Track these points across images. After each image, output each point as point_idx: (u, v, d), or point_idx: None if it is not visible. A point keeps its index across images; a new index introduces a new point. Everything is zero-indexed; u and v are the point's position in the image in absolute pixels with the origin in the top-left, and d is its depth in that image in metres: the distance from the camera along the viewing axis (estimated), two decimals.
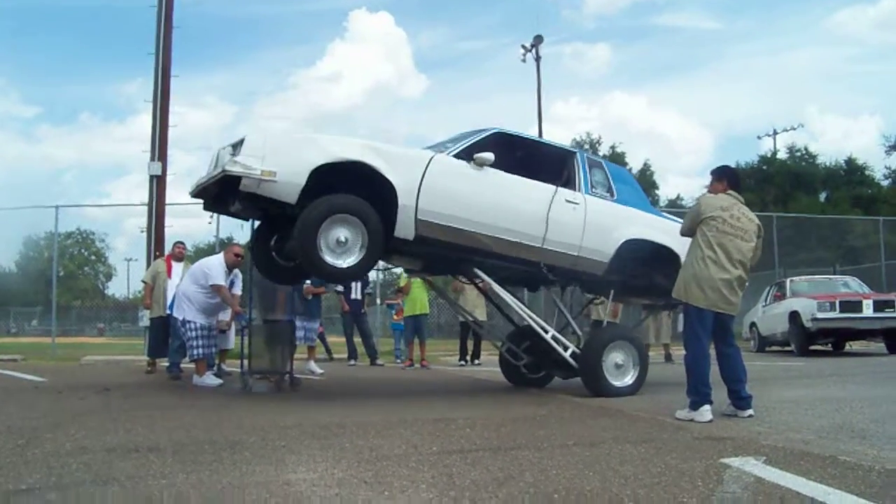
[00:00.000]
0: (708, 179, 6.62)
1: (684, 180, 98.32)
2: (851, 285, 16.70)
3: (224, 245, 13.51)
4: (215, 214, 11.57)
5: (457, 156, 7.52)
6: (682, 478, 3.79)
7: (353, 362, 14.84)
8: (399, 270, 13.87)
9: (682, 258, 6.58)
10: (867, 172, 43.13)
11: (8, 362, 14.74)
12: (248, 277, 9.80)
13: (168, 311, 10.47)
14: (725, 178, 6.45)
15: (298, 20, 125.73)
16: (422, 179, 7.14)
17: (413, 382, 10.88)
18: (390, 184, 6.99)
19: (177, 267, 11.28)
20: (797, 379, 10.10)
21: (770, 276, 19.66)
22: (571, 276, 8.37)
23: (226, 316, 9.83)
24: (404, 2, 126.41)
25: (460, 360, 14.78)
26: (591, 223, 7.92)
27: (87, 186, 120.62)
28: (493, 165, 7.50)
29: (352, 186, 6.93)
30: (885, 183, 42.50)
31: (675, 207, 31.74)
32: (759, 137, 48.91)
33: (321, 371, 11.87)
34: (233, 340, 10.49)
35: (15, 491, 3.63)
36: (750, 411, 5.99)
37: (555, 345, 7.97)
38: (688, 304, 6.11)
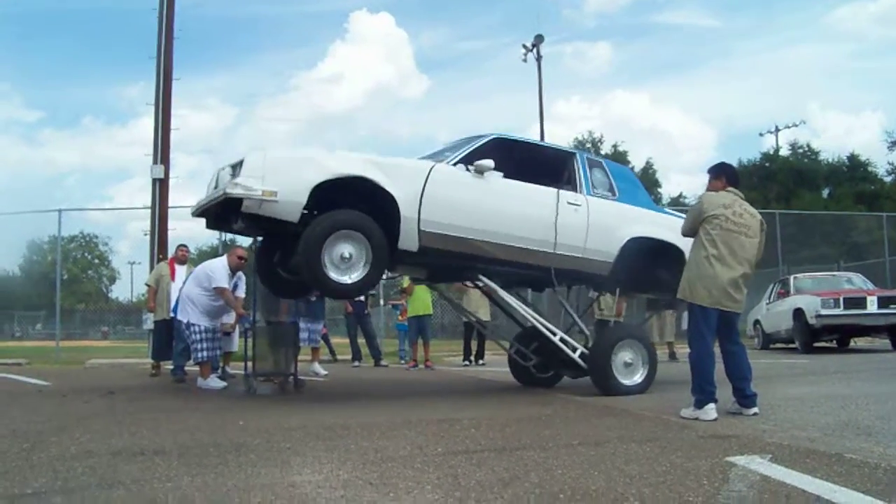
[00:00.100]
0: (707, 178, 6.60)
1: (687, 178, 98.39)
2: (855, 282, 16.67)
3: (227, 248, 13.53)
4: None
5: (456, 164, 7.52)
6: (688, 476, 3.79)
7: (356, 363, 14.86)
8: None
9: (686, 253, 6.57)
10: (870, 169, 43.08)
11: (12, 366, 14.78)
12: (252, 280, 9.80)
13: (172, 314, 10.48)
14: (724, 174, 6.42)
15: (299, 21, 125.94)
16: (423, 191, 7.14)
17: (417, 383, 10.89)
18: (392, 197, 7.00)
19: (180, 270, 11.29)
20: (802, 376, 10.09)
21: (774, 274, 19.64)
22: (576, 278, 8.39)
23: (230, 318, 9.83)
24: (405, 2, 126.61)
25: (464, 360, 14.78)
26: (594, 224, 7.92)
27: (89, 190, 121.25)
28: (494, 171, 7.51)
29: (354, 201, 6.95)
30: (887, 179, 42.45)
31: (677, 205, 31.63)
32: (761, 134, 49.12)
33: (325, 372, 11.88)
34: (237, 343, 10.48)
35: (21, 495, 3.64)
36: (755, 409, 5.97)
37: (563, 347, 7.98)
38: (692, 302, 6.09)
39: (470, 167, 7.47)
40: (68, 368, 14.61)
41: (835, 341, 16.28)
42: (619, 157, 44.30)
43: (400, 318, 16.49)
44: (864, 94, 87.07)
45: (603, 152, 44.94)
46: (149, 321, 12.62)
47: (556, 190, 7.88)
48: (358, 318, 14.99)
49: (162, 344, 11.37)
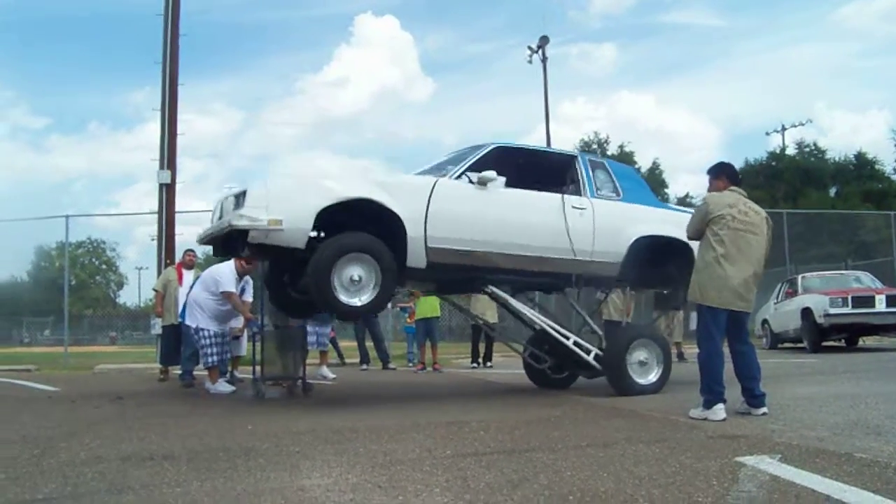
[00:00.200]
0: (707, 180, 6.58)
1: (694, 178, 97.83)
2: (864, 280, 16.63)
3: None
4: None
5: (459, 177, 7.54)
6: (697, 477, 3.78)
7: (365, 367, 14.85)
8: None
9: (692, 248, 6.54)
10: (877, 167, 42.84)
11: (21, 372, 14.84)
12: (259, 284, 9.81)
13: (180, 319, 10.50)
14: (724, 174, 6.40)
15: (304, 26, 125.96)
16: (427, 208, 7.16)
17: (425, 386, 10.89)
18: (397, 216, 7.01)
19: (188, 275, 11.30)
20: (810, 375, 10.06)
21: (781, 273, 19.59)
22: (585, 282, 8.39)
23: (238, 323, 9.85)
24: (410, 5, 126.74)
25: (472, 362, 14.78)
26: (600, 227, 7.92)
27: (96, 196, 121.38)
28: (497, 178, 7.52)
29: (360, 222, 6.96)
30: (895, 177, 42.29)
31: (684, 205, 31.64)
32: (767, 133, 48.80)
33: (333, 376, 11.88)
34: (245, 347, 10.51)
35: (31, 500, 3.66)
36: (764, 409, 5.96)
37: (578, 350, 8.01)
38: (703, 304, 6.07)
39: (473, 179, 7.48)
40: (77, 374, 14.66)
41: (843, 340, 16.22)
42: (625, 157, 44.18)
43: (408, 320, 16.49)
44: (871, 92, 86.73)
45: (609, 153, 44.84)
46: (157, 326, 12.63)
47: (560, 195, 7.89)
48: (366, 321, 14.97)
49: (170, 349, 11.39)
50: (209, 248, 8.31)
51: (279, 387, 9.54)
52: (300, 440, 5.30)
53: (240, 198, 6.88)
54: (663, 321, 13.50)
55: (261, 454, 4.76)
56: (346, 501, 3.51)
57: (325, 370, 12.03)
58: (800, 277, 17.47)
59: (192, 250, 12.08)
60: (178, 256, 13.33)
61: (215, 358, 9.40)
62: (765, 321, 18.14)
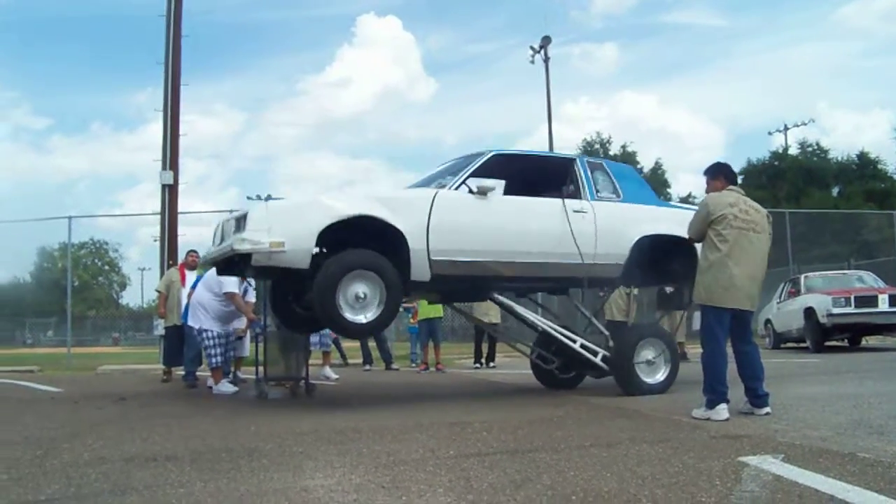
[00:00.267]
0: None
1: (696, 178, 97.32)
2: (866, 280, 16.61)
3: None
4: None
5: (459, 188, 7.54)
6: (700, 477, 3.78)
7: (367, 367, 14.87)
8: None
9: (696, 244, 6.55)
10: (880, 166, 42.83)
11: (24, 373, 14.85)
12: (262, 285, 9.82)
13: (182, 320, 10.50)
14: (721, 174, 6.39)
15: (306, 26, 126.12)
16: (429, 221, 7.15)
17: (428, 386, 10.89)
18: (399, 231, 7.02)
19: (190, 276, 11.29)
20: (813, 375, 10.05)
21: (784, 273, 19.55)
22: (590, 283, 8.39)
23: (241, 324, 9.86)
24: (412, 6, 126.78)
25: (475, 362, 14.78)
26: (601, 229, 7.91)
27: (99, 197, 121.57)
28: (497, 188, 7.53)
29: (362, 238, 6.96)
30: None
31: (686, 205, 31.64)
32: (770, 133, 48.70)
33: (336, 376, 11.89)
34: (248, 348, 10.51)
35: (34, 501, 3.66)
36: (767, 409, 5.95)
37: (585, 353, 8.02)
38: (709, 304, 6.06)
39: (473, 189, 7.49)
40: (80, 375, 14.67)
41: (846, 340, 16.21)
42: (628, 157, 44.17)
43: (411, 321, 16.49)
44: (873, 91, 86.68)
45: (612, 153, 44.85)
46: (160, 327, 12.66)
47: (560, 200, 7.89)
48: None
49: (173, 350, 11.40)
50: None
51: (282, 387, 9.54)
52: (303, 441, 5.31)
53: (241, 221, 6.90)
54: (666, 321, 13.49)
55: (264, 455, 4.76)
56: (350, 502, 3.51)
57: (328, 371, 12.04)
58: (802, 277, 17.45)
59: (194, 251, 12.08)
60: (181, 257, 13.36)
61: (219, 359, 9.41)
62: (768, 321, 18.10)
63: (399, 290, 7.00)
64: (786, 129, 46.26)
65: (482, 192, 7.45)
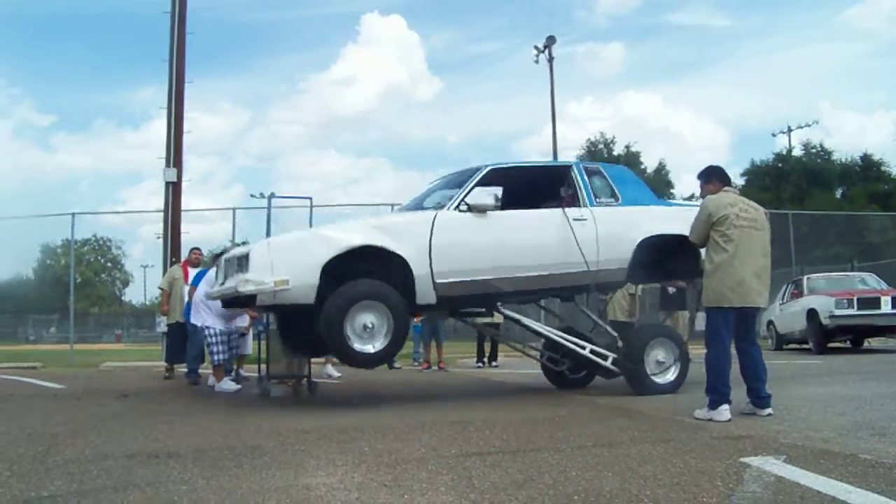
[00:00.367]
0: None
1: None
2: (869, 282, 16.58)
3: None
4: (231, 217, 11.68)
5: (458, 206, 7.51)
6: (702, 477, 3.78)
7: None
8: None
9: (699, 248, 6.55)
10: (883, 168, 42.82)
11: (27, 370, 14.89)
12: None
13: (185, 317, 10.51)
14: (715, 177, 6.41)
15: (311, 24, 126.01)
16: (430, 245, 7.17)
17: (430, 385, 10.90)
18: (402, 258, 7.03)
19: (193, 273, 11.31)
20: (816, 377, 10.03)
21: (787, 274, 19.52)
22: (596, 289, 8.39)
23: (243, 321, 9.86)
24: (416, 4, 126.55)
25: (478, 361, 14.80)
26: (603, 235, 7.90)
27: (102, 193, 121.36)
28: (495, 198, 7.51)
29: (366, 266, 6.98)
30: None
31: (688, 202, 31.62)
32: (773, 135, 48.65)
33: (338, 374, 11.88)
34: (250, 345, 10.52)
35: (37, 498, 3.67)
36: (769, 410, 5.95)
37: (595, 359, 8.04)
38: (719, 306, 6.05)
39: (473, 207, 7.46)
40: (82, 371, 14.69)
41: (849, 342, 16.18)
42: (631, 157, 44.27)
43: (414, 319, 16.50)
44: (877, 93, 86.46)
45: (615, 153, 44.90)
46: (162, 324, 12.70)
47: (560, 210, 7.90)
48: None
49: (175, 347, 11.42)
50: (215, 247, 8.37)
51: (284, 385, 9.55)
52: (305, 439, 5.31)
53: (242, 261, 6.92)
54: (669, 322, 13.49)
55: (266, 452, 4.77)
56: (352, 500, 3.51)
57: (331, 369, 12.03)
58: (805, 278, 17.42)
59: (197, 248, 12.11)
60: (184, 254, 13.37)
61: (222, 356, 9.41)
62: (770, 322, 18.06)
63: (406, 317, 7.06)
64: (790, 130, 46.17)
65: (482, 210, 7.43)
